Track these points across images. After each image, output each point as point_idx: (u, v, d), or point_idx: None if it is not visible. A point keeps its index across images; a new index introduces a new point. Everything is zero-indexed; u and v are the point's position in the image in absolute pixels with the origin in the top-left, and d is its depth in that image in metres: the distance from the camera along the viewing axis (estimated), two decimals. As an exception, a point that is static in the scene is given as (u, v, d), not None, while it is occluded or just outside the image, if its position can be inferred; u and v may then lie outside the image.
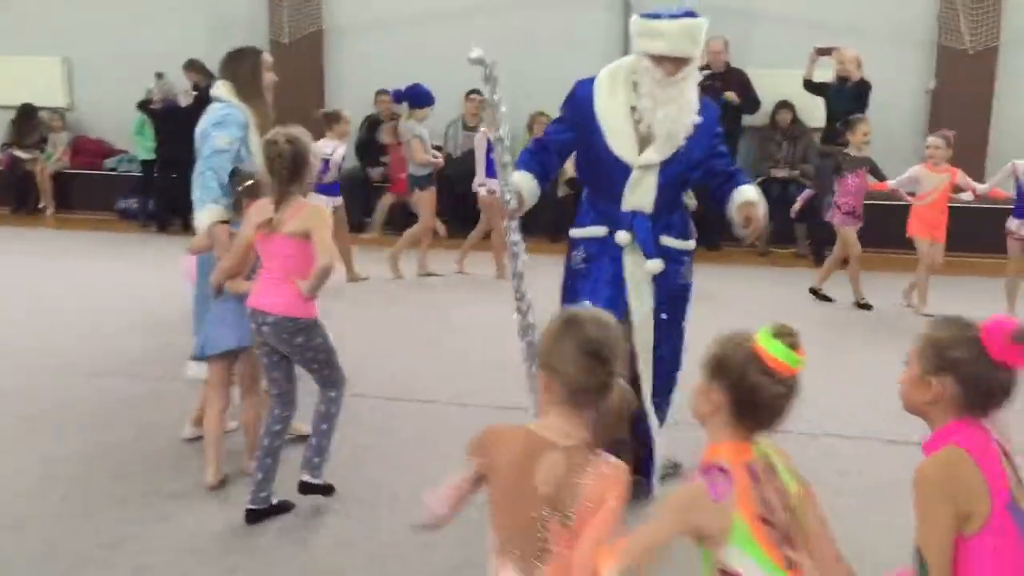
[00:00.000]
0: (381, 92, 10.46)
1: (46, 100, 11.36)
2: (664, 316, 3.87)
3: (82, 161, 11.41)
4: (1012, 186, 6.82)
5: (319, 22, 10.85)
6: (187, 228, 4.28)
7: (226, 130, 4.22)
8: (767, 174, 9.44)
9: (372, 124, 10.54)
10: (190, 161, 4.27)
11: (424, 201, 8.02)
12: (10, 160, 11.30)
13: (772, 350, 1.91)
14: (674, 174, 3.76)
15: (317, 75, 11.00)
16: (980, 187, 7.06)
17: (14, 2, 11.43)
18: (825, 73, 8.99)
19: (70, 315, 6.60)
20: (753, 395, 1.90)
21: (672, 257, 3.85)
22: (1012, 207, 6.80)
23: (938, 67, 9.62)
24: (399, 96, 7.98)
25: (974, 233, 8.05)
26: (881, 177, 7.25)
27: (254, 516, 3.59)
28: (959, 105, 9.12)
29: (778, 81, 9.49)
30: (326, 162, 7.80)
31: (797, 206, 7.59)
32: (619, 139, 3.70)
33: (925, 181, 7.03)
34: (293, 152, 3.53)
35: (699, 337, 6.40)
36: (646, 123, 3.66)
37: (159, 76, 10.50)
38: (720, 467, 1.88)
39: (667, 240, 3.84)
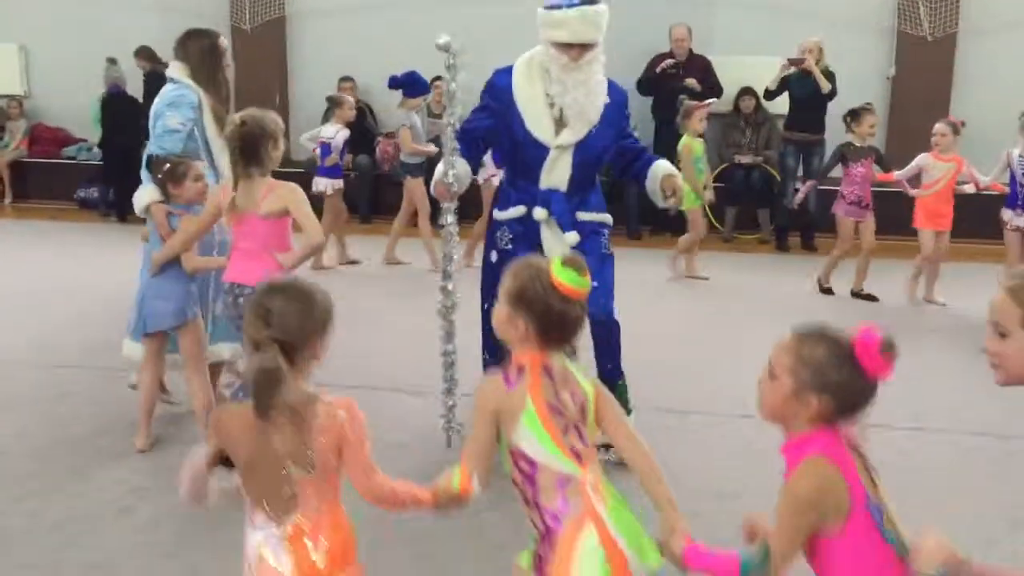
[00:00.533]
0: (344, 79, 10.40)
1: (2, 88, 11.15)
2: (595, 284, 3.92)
3: (40, 150, 11.22)
4: (1007, 175, 6.83)
5: (281, 8, 10.74)
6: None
7: (178, 111, 4.31)
8: (731, 160, 9.50)
9: (336, 111, 10.46)
10: (137, 147, 4.31)
11: (416, 189, 7.93)
12: (-34, 149, 11.09)
13: (566, 279, 2.12)
14: (588, 153, 4.02)
15: (279, 62, 10.89)
16: (983, 179, 6.97)
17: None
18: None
19: (26, 306, 6.50)
20: (557, 319, 2.14)
21: (592, 230, 4.10)
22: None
23: (898, 54, 9.72)
24: (394, 82, 7.81)
25: (980, 220, 7.86)
26: (887, 167, 7.19)
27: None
28: (919, 92, 9.24)
29: (741, 68, 9.56)
30: (327, 145, 7.83)
31: (800, 197, 7.58)
32: (537, 122, 3.96)
33: (932, 169, 6.93)
34: (243, 134, 3.61)
35: (674, 319, 6.42)
36: (558, 107, 3.93)
37: (111, 62, 10.37)
38: (519, 366, 2.16)
39: (584, 215, 4.08)
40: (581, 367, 2.25)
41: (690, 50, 9.51)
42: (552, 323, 2.13)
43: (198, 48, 4.54)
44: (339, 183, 8.00)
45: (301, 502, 2.09)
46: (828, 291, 7.24)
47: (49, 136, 11.24)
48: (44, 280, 7.32)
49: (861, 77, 9.69)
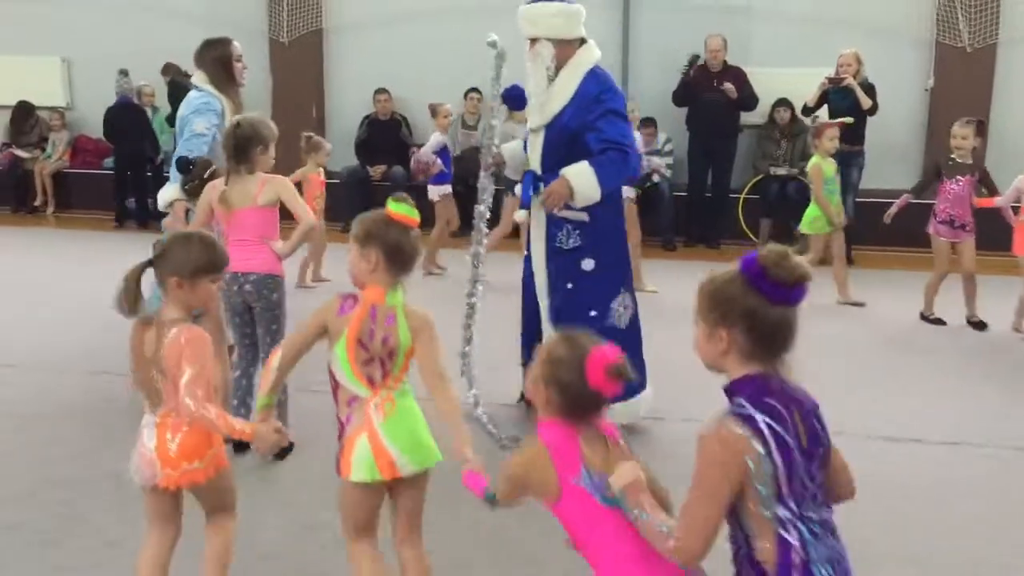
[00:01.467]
0: (380, 91, 10.49)
1: (46, 99, 11.37)
2: (552, 269, 4.42)
3: (82, 161, 11.42)
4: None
5: (319, 22, 10.86)
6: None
7: (203, 117, 4.67)
8: (766, 172, 9.45)
9: (371, 124, 10.56)
10: (142, 155, 4.63)
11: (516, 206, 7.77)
12: (10, 159, 11.30)
13: (402, 211, 2.60)
14: (552, 139, 4.32)
15: (316, 74, 11.01)
16: (998, 200, 6.69)
17: (14, 2, 11.42)
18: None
19: (69, 314, 6.61)
20: (400, 248, 2.60)
21: (552, 220, 4.35)
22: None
23: (937, 65, 9.63)
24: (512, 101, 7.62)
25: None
26: (992, 188, 6.69)
27: (241, 447, 3.98)
28: (958, 103, 9.11)
29: (777, 79, 9.50)
30: (445, 155, 7.95)
31: (893, 211, 6.99)
32: (531, 109, 4.44)
33: None
34: (236, 135, 4.01)
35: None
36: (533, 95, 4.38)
37: (122, 73, 10.59)
38: (354, 296, 2.62)
39: (561, 211, 4.31)
40: (421, 314, 2.65)
41: (725, 61, 9.48)
42: (393, 251, 2.58)
43: (211, 58, 4.88)
44: (445, 189, 8.04)
45: (165, 400, 2.62)
46: (937, 321, 6.68)
47: (91, 147, 11.43)
48: (85, 288, 7.43)
49: (900, 88, 9.61)
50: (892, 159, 9.86)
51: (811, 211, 7.15)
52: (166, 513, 2.73)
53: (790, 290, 1.87)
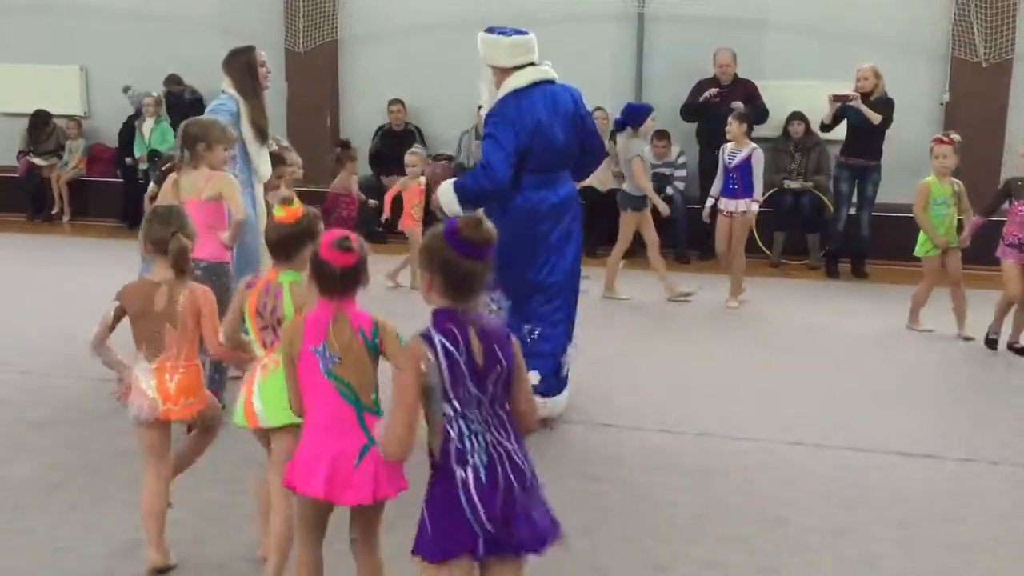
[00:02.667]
0: (394, 101, 10.53)
1: (63, 108, 11.44)
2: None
3: (98, 169, 11.48)
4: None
5: (334, 32, 10.92)
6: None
7: (216, 116, 4.95)
8: (780, 185, 9.42)
9: (385, 134, 10.59)
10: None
11: (643, 221, 7.65)
12: (27, 167, 11.39)
13: (278, 209, 3.05)
14: None
15: (331, 84, 11.06)
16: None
17: (33, 12, 11.53)
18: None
19: (82, 320, 6.63)
20: (276, 239, 3.08)
21: None
22: None
23: (952, 79, 9.60)
24: (621, 124, 7.49)
25: None
26: None
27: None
28: (973, 118, 9.09)
29: (791, 92, 9.49)
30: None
31: (967, 233, 6.63)
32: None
33: None
34: (185, 133, 4.51)
35: (717, 344, 6.36)
36: None
37: (125, 90, 10.71)
38: (257, 276, 3.20)
39: None
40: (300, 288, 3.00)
41: (735, 75, 9.48)
42: (272, 244, 3.10)
43: (238, 65, 5.35)
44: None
45: (167, 347, 3.22)
46: (992, 344, 6.39)
47: (107, 156, 11.49)
48: (100, 295, 7.47)
49: (915, 103, 9.58)
50: (907, 173, 9.79)
51: (923, 233, 6.77)
52: (161, 448, 3.28)
53: (476, 248, 2.34)
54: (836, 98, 8.63)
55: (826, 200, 9.25)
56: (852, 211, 8.93)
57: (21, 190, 11.37)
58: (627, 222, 7.67)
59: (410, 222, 7.95)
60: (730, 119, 7.63)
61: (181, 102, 10.69)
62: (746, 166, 7.45)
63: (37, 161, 11.39)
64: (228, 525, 3.65)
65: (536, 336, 4.61)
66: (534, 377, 4.32)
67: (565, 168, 4.72)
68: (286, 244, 3.06)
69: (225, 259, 4.54)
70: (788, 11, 9.71)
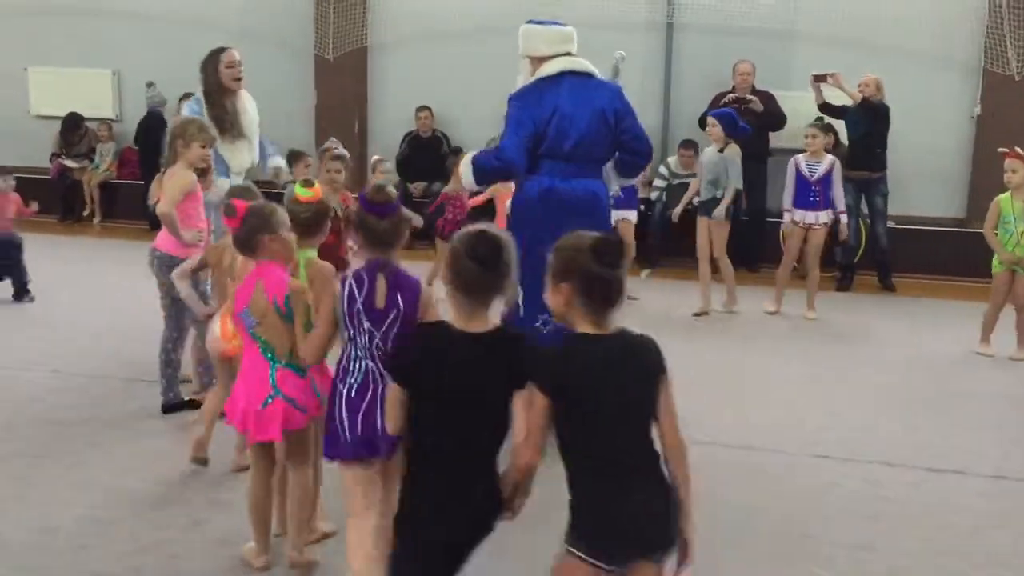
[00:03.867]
0: (421, 108, 10.58)
1: (95, 111, 11.59)
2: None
3: (128, 172, 11.61)
4: None
5: (363, 39, 10.98)
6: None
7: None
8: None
9: (413, 140, 10.64)
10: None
11: (723, 230, 7.68)
12: (59, 169, 11.52)
13: (299, 192, 3.47)
14: None
15: (360, 91, 11.12)
16: None
17: (68, 16, 11.69)
18: (842, 97, 8.85)
19: (112, 322, 6.70)
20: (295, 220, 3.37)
21: None
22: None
23: (984, 93, 9.51)
24: (736, 132, 7.42)
25: None
26: None
27: (169, 409, 4.87)
28: (1005, 131, 8.99)
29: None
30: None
31: None
32: None
33: None
34: (169, 133, 4.91)
35: (738, 353, 6.30)
36: None
37: (149, 86, 10.78)
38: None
39: None
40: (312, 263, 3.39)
41: (753, 86, 9.47)
42: (293, 222, 3.36)
43: (204, 65, 5.75)
44: (627, 214, 7.81)
45: (228, 297, 3.67)
46: None
47: (136, 158, 11.61)
48: (130, 297, 7.55)
49: (946, 116, 9.51)
50: (937, 186, 9.75)
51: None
52: (229, 374, 3.74)
53: (382, 207, 2.82)
54: (816, 78, 8.64)
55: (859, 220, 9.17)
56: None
57: (53, 192, 11.50)
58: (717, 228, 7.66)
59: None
60: (813, 131, 7.52)
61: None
62: (828, 179, 7.38)
63: (69, 163, 11.53)
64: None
65: (547, 330, 4.42)
66: None
67: (588, 161, 4.55)
68: (311, 222, 3.46)
69: (170, 251, 4.74)
70: (818, 23, 9.66)
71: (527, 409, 2.34)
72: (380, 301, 2.77)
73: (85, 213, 11.54)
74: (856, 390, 5.72)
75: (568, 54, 4.56)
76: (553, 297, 2.32)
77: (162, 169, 4.97)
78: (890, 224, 8.95)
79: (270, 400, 3.12)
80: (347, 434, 2.80)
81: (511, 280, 2.44)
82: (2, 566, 3.34)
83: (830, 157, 7.50)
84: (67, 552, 3.45)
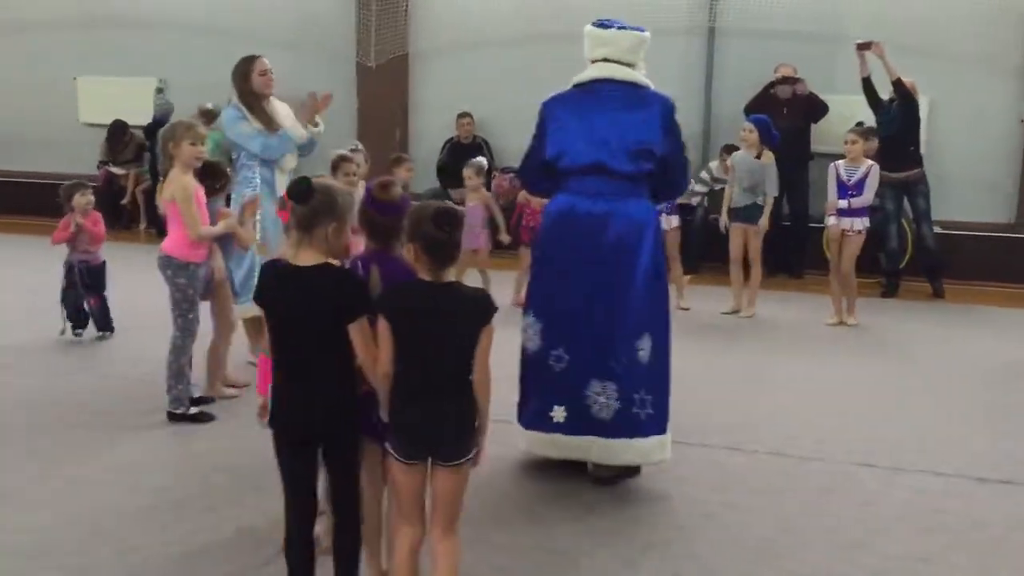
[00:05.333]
0: (463, 115, 10.62)
1: (141, 119, 11.77)
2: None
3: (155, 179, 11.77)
4: None
5: (405, 47, 11.04)
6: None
7: (236, 126, 5.72)
8: (850, 201, 9.25)
9: (453, 147, 10.68)
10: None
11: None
12: (106, 177, 11.72)
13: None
14: None
15: (401, 98, 11.20)
16: None
17: (114, 26, 11.91)
18: (884, 91, 8.74)
19: (159, 325, 6.79)
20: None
21: None
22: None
23: (1032, 96, 9.34)
24: (770, 139, 7.50)
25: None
26: None
27: (174, 418, 4.88)
28: (1054, 134, 8.85)
29: (859, 106, 9.29)
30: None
31: None
32: None
33: None
34: (162, 139, 4.99)
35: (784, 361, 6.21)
36: None
37: (159, 91, 10.91)
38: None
39: None
40: None
41: (794, 91, 9.39)
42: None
43: (234, 74, 5.86)
44: (670, 219, 7.71)
45: None
46: None
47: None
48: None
49: (992, 119, 9.36)
50: (984, 191, 9.59)
51: None
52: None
53: (383, 206, 3.00)
54: (859, 46, 8.51)
55: (903, 224, 9.05)
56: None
57: (100, 199, 11.69)
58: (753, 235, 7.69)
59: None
60: (853, 136, 7.43)
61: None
62: (863, 184, 7.31)
63: (115, 171, 11.73)
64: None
65: (560, 369, 4.13)
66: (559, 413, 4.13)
67: (620, 179, 4.13)
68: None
69: (183, 256, 4.80)
70: (863, 26, 9.54)
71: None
72: (373, 290, 2.93)
73: (141, 226, 11.65)
74: (903, 398, 5.65)
75: (606, 59, 4.25)
76: (406, 253, 2.81)
77: (161, 176, 5.03)
78: (936, 229, 8.82)
79: None
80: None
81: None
82: (50, 568, 3.39)
83: (869, 162, 7.41)
84: (113, 555, 3.50)
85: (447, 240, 2.77)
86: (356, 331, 2.79)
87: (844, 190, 7.38)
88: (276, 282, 2.88)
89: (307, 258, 2.84)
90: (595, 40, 4.30)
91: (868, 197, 7.33)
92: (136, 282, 8.46)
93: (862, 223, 7.38)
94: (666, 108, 4.23)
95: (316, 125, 6.01)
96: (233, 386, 5.40)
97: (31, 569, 3.40)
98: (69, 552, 3.51)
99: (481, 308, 2.79)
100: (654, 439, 4.16)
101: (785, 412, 5.30)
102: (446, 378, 2.78)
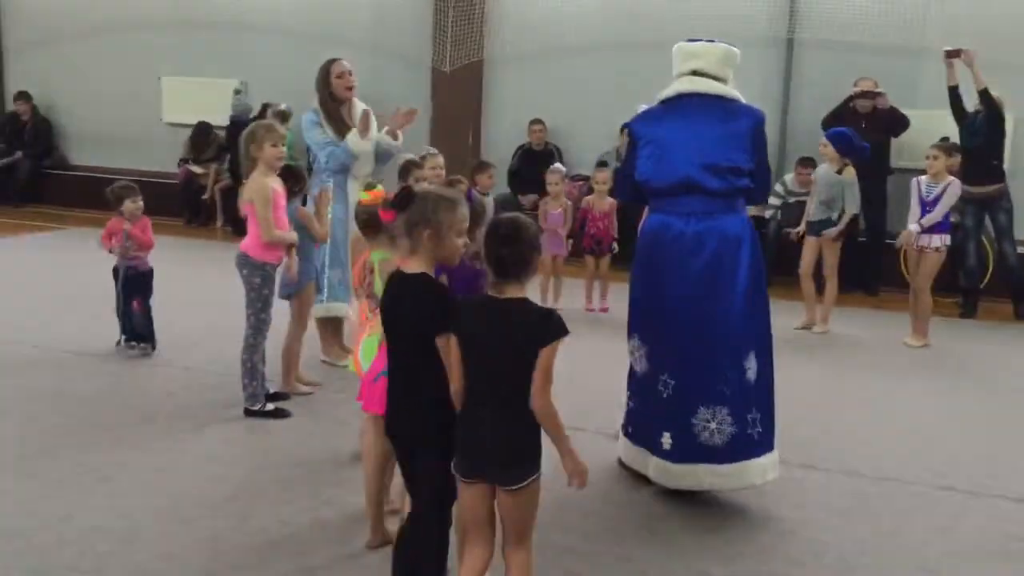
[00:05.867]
0: (535, 121, 10.67)
1: (222, 119, 12.05)
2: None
3: (235, 178, 12.01)
4: None
5: (479, 52, 11.13)
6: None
7: (311, 133, 5.88)
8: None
9: (525, 153, 10.73)
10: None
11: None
12: (186, 175, 12.03)
13: (363, 196, 3.65)
14: None
15: (475, 103, 11.29)
16: None
17: (200, 29, 12.22)
18: (970, 102, 8.53)
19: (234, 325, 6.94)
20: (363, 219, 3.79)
21: None
22: None
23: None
24: (854, 151, 7.31)
25: None
26: None
27: (251, 414, 4.98)
28: None
29: (942, 122, 9.09)
30: None
31: None
32: None
33: None
34: (243, 141, 4.98)
35: (852, 378, 6.06)
36: None
37: (237, 92, 11.13)
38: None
39: None
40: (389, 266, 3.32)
41: (874, 106, 9.24)
42: (360, 224, 3.86)
43: (317, 78, 5.96)
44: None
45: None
46: None
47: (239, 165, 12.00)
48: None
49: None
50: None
51: None
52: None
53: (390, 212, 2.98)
54: (949, 53, 8.32)
55: (984, 242, 8.84)
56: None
57: (180, 196, 12.02)
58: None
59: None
60: (935, 151, 7.26)
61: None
62: (940, 200, 7.12)
63: (195, 169, 12.03)
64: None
65: (667, 395, 4.07)
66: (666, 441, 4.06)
67: (712, 195, 4.07)
68: (370, 223, 3.64)
69: (258, 256, 4.88)
70: (948, 40, 9.34)
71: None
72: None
73: (218, 224, 11.92)
74: (978, 421, 5.52)
75: (695, 72, 4.19)
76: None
77: (244, 177, 5.09)
78: (1020, 249, 8.59)
79: (380, 376, 3.29)
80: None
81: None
82: (141, 551, 3.52)
83: (950, 178, 7.25)
84: (197, 539, 3.61)
85: (507, 256, 2.69)
86: (440, 344, 2.77)
87: (923, 206, 7.24)
88: (388, 287, 2.95)
89: (412, 265, 2.85)
90: (685, 54, 4.26)
91: (937, 214, 7.16)
92: (213, 279, 8.65)
93: (940, 240, 7.21)
94: (756, 122, 4.18)
95: (396, 139, 6.06)
96: (308, 384, 5.50)
97: (125, 552, 3.53)
98: (157, 537, 3.64)
99: (543, 329, 2.65)
100: (767, 457, 4.11)
101: (860, 431, 5.23)
102: (501, 399, 2.69)
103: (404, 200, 2.85)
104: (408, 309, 2.83)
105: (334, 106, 5.89)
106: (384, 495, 3.63)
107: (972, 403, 5.89)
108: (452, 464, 2.78)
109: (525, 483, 2.70)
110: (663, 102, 4.27)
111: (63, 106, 13.29)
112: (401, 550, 2.96)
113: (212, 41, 12.24)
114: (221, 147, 12.07)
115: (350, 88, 5.92)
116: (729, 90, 4.22)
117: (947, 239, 7.26)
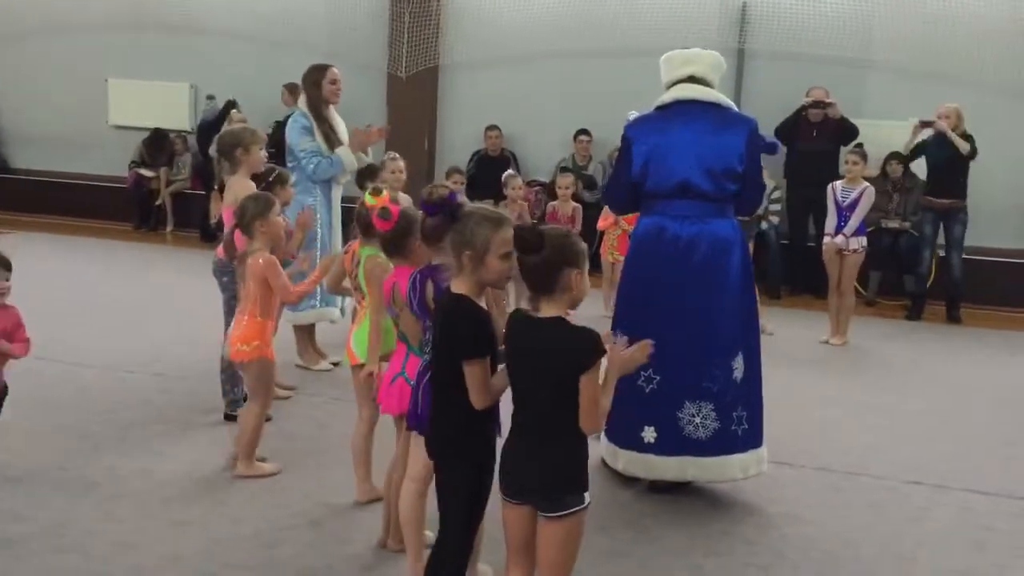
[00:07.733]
0: (491, 127, 10.74)
1: (173, 123, 11.87)
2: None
3: (201, 183, 11.83)
4: None
5: (435, 59, 11.17)
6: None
7: (299, 138, 5.82)
8: (877, 224, 9.37)
9: (481, 159, 10.80)
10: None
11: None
12: (135, 179, 11.81)
13: (367, 198, 3.59)
14: None
15: (430, 109, 11.32)
16: None
17: (149, 31, 12.01)
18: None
19: (192, 325, 6.88)
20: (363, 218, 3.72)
21: None
22: None
23: (1059, 123, 9.46)
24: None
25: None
26: None
27: (231, 419, 4.91)
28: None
29: (891, 132, 9.44)
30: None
31: None
32: None
33: None
34: (221, 145, 5.05)
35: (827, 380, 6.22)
36: None
37: (209, 98, 11.07)
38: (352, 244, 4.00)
39: None
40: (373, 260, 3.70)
41: (825, 114, 9.52)
42: (358, 221, 3.83)
43: (306, 82, 5.96)
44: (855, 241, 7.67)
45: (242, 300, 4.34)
46: None
47: (211, 170, 11.85)
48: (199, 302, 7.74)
49: (1018, 145, 9.46)
50: (1017, 218, 9.63)
51: None
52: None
53: (432, 207, 2.98)
54: (922, 124, 8.63)
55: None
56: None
57: (129, 200, 11.81)
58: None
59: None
60: (855, 157, 7.61)
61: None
62: (859, 204, 7.47)
63: (145, 173, 11.82)
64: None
65: (649, 390, 4.15)
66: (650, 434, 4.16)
67: (707, 200, 4.18)
68: (368, 223, 3.68)
69: (221, 256, 4.80)
70: (892, 51, 9.68)
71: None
72: (429, 302, 3.10)
73: (168, 229, 11.76)
74: (935, 419, 5.75)
75: (692, 77, 4.30)
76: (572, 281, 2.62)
77: (216, 185, 5.03)
78: (965, 256, 8.91)
79: (396, 379, 3.43)
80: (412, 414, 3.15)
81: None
82: (213, 563, 3.50)
83: (864, 184, 7.56)
84: (200, 542, 3.60)
85: (534, 267, 2.59)
86: (465, 369, 2.68)
87: (840, 211, 7.54)
88: (437, 302, 2.98)
89: (457, 285, 2.79)
90: (679, 60, 4.39)
91: (856, 222, 7.49)
92: (169, 283, 8.48)
93: (858, 242, 7.53)
94: (751, 130, 4.29)
95: (367, 154, 6.18)
96: (286, 388, 5.49)
97: (124, 554, 3.52)
98: (153, 542, 3.63)
99: (579, 353, 2.53)
100: (751, 453, 4.24)
101: (827, 428, 5.40)
102: (539, 421, 2.60)
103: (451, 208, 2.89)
104: (443, 328, 2.79)
105: (323, 109, 5.91)
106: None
107: (924, 401, 6.11)
108: (499, 484, 2.70)
109: (564, 512, 2.57)
110: (659, 108, 4.38)
111: (5, 107, 12.96)
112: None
113: (161, 44, 12.03)
114: (174, 152, 11.90)
115: (338, 95, 6.00)
116: (724, 98, 4.37)
117: (864, 240, 7.61)
